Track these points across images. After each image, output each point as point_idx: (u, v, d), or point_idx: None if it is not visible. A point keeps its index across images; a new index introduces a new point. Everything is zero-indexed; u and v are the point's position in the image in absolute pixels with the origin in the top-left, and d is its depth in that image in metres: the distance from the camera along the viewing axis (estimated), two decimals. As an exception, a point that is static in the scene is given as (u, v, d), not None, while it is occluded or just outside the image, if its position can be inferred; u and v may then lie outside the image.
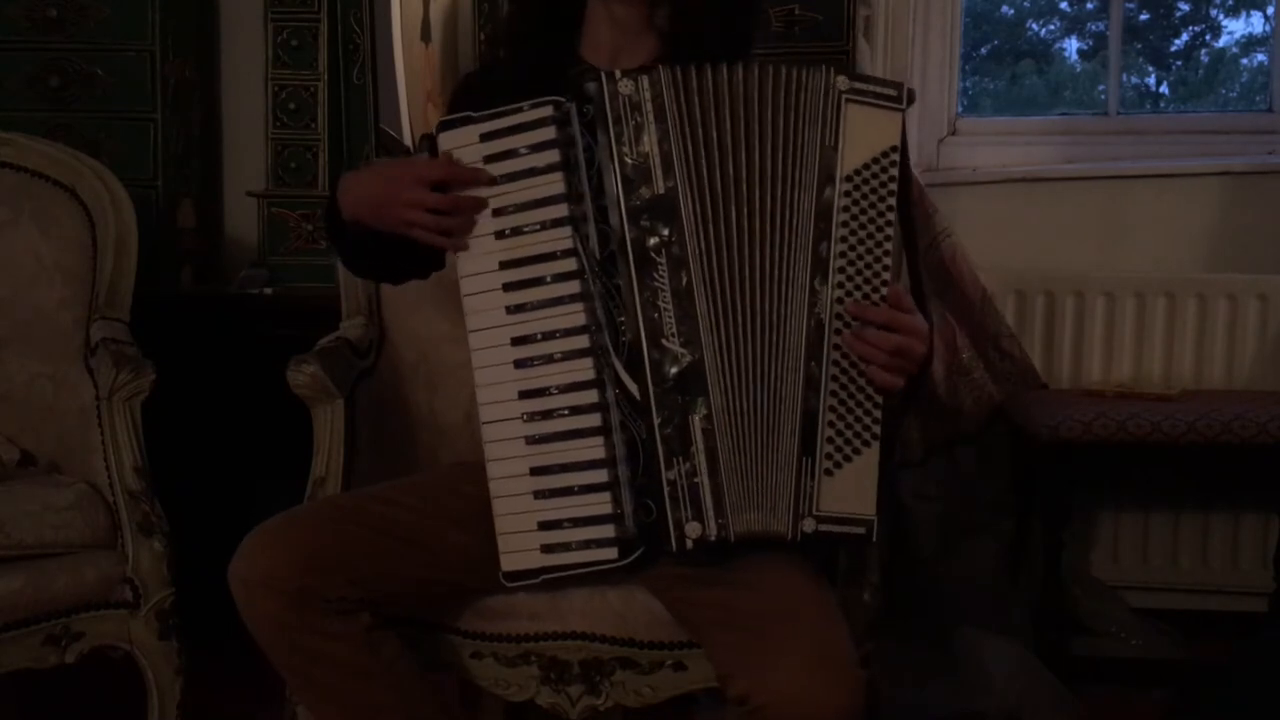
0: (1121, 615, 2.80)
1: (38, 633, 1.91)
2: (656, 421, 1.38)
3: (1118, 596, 2.86)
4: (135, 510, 2.01)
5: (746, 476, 1.40)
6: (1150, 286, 2.92)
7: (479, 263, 1.44)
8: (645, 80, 1.39)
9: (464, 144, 1.44)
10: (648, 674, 1.57)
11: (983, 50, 3.63)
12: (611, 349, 1.40)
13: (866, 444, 1.41)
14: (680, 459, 1.38)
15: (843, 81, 1.40)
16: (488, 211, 1.43)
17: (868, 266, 1.41)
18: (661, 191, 1.39)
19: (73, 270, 2.24)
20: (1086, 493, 2.87)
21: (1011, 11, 3.69)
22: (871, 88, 1.42)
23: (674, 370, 1.39)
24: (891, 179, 1.42)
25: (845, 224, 1.40)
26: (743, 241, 1.40)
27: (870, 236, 1.41)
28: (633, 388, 1.39)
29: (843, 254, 1.40)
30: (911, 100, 1.43)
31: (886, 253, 1.41)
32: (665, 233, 1.39)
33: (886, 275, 1.42)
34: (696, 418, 1.38)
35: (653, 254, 1.39)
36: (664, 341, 1.39)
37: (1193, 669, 2.62)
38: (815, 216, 1.40)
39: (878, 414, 1.42)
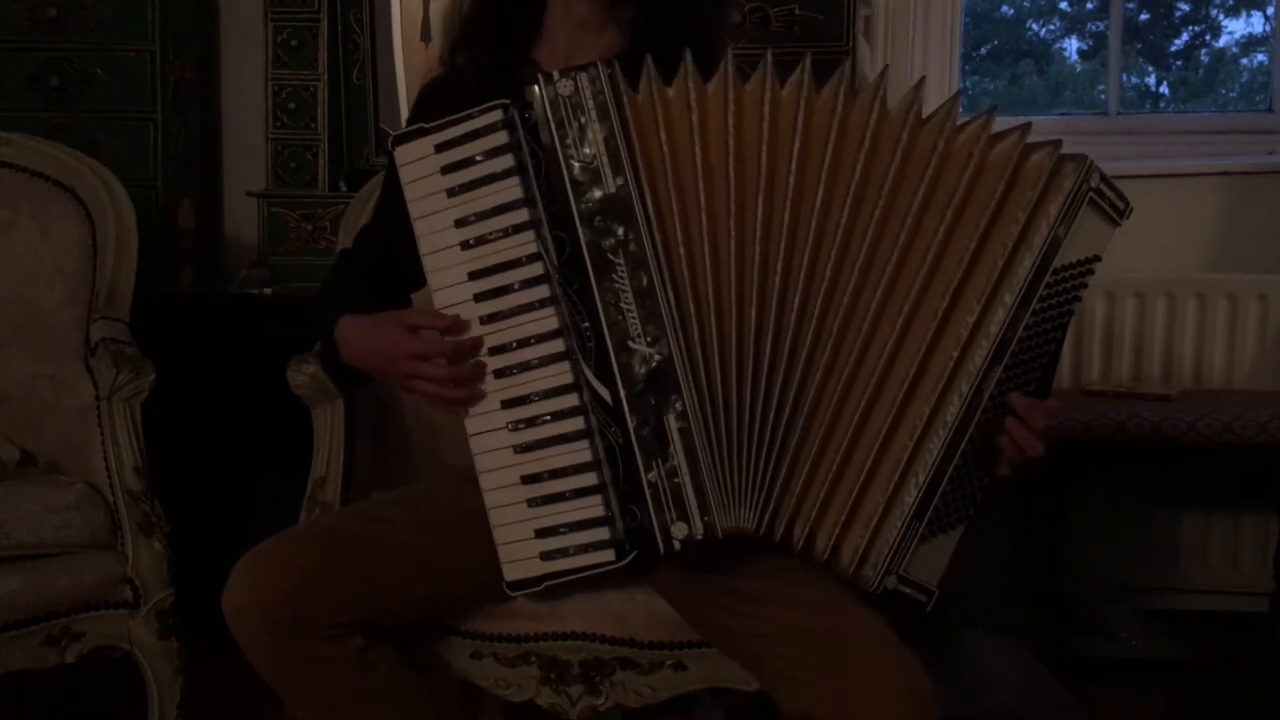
0: (1121, 615, 2.80)
1: (37, 633, 1.92)
2: (632, 425, 1.35)
3: (1118, 596, 2.86)
4: (135, 510, 2.01)
5: (731, 472, 1.36)
6: (1150, 286, 2.92)
7: (449, 275, 1.42)
8: (584, 78, 1.34)
9: (419, 156, 1.41)
10: (648, 674, 1.57)
11: (983, 50, 3.63)
12: (580, 356, 1.37)
13: (960, 522, 1.42)
14: (659, 460, 1.35)
15: (1095, 178, 1.38)
16: (451, 222, 1.41)
17: (1031, 360, 1.40)
18: (613, 191, 1.35)
19: (73, 270, 2.24)
20: (1087, 493, 2.87)
21: (1011, 11, 3.69)
22: (1110, 195, 1.40)
23: (643, 371, 1.35)
24: (1083, 285, 1.41)
25: (1036, 312, 1.38)
26: (790, 254, 1.36)
27: (1046, 333, 1.40)
28: (604, 393, 1.36)
29: (1020, 339, 1.39)
30: (1127, 216, 1.42)
31: (1048, 353, 1.41)
32: (621, 232, 1.35)
33: (1040, 373, 1.41)
34: (671, 417, 1.35)
35: (610, 255, 1.35)
36: (630, 343, 1.35)
37: (1193, 669, 2.62)
38: (1022, 297, 1.37)
39: (980, 499, 1.41)
